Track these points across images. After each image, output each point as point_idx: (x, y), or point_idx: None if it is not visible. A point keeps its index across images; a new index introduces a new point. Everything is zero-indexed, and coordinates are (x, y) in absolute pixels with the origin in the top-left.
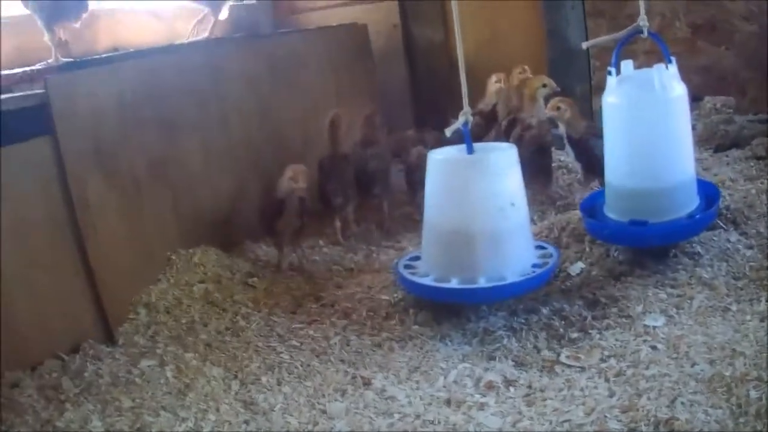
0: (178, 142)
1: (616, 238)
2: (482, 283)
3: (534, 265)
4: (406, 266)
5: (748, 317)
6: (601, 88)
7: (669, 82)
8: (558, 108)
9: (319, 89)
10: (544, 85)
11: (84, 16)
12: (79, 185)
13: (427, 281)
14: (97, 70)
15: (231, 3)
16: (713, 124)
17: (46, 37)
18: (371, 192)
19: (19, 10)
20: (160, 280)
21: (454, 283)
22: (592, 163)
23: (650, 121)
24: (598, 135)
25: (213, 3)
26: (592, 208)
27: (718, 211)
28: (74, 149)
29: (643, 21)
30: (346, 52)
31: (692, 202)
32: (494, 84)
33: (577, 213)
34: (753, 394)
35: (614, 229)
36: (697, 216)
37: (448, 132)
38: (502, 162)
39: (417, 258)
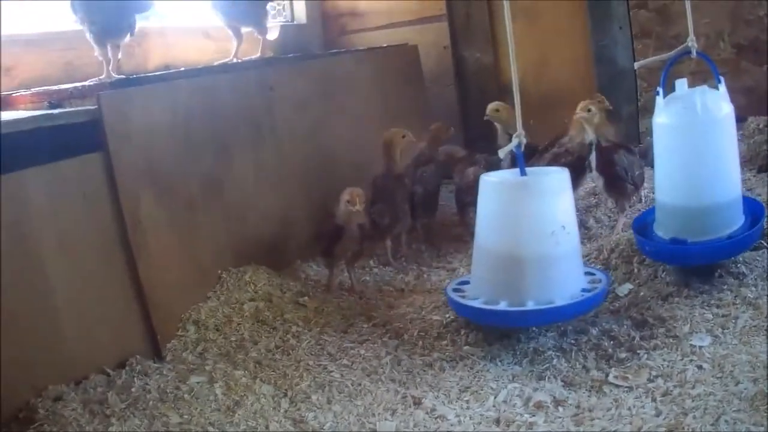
0: (229, 160)
1: (657, 255)
2: (531, 306)
3: (583, 290)
4: (456, 290)
5: None
6: (648, 109)
7: (715, 103)
8: (588, 110)
9: (369, 109)
10: (589, 110)
11: (134, 33)
12: (131, 202)
13: (476, 304)
14: (150, 87)
15: (282, 23)
16: (757, 144)
17: (97, 53)
18: (419, 210)
19: (70, 24)
20: (210, 297)
21: (502, 306)
22: (615, 176)
23: (696, 141)
24: (629, 150)
25: (259, 25)
26: (644, 225)
27: (762, 232)
28: (126, 166)
29: (691, 41)
30: (396, 73)
31: (737, 220)
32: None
33: (625, 235)
34: None
35: (655, 247)
36: (737, 237)
37: (502, 154)
38: (554, 185)
39: (467, 282)
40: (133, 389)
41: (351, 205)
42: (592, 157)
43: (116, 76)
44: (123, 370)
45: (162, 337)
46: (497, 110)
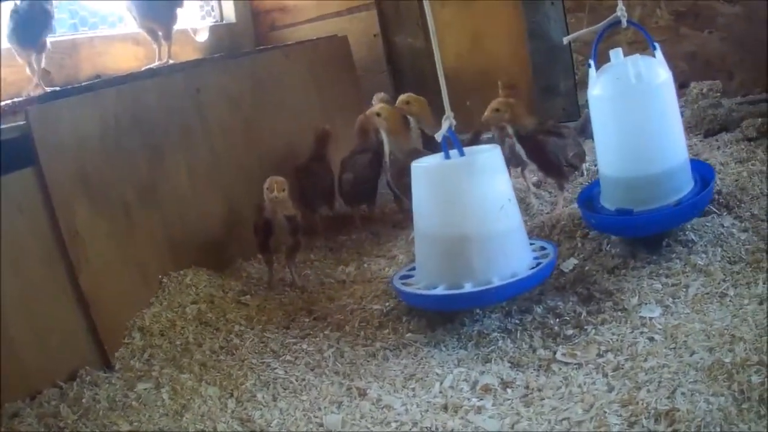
0: (164, 165)
1: (604, 228)
2: (496, 282)
3: (534, 258)
4: (404, 283)
5: (746, 301)
6: (585, 82)
7: (649, 70)
8: (497, 110)
9: (303, 103)
10: (497, 110)
11: (48, 44)
12: (67, 213)
13: (440, 292)
14: (79, 98)
15: (212, 24)
16: (701, 109)
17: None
18: (355, 199)
19: (4, 43)
20: (153, 303)
21: (468, 288)
22: (547, 162)
23: (632, 110)
24: (555, 132)
25: (165, 25)
26: (590, 198)
27: (712, 195)
28: (59, 178)
29: (621, 11)
30: (328, 64)
31: (685, 186)
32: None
33: (566, 211)
34: (755, 379)
35: (600, 219)
36: (685, 203)
37: (438, 137)
38: (495, 162)
39: (410, 276)
40: (84, 400)
41: (270, 192)
42: (519, 148)
43: (46, 89)
44: (74, 382)
45: (109, 347)
46: (407, 102)
